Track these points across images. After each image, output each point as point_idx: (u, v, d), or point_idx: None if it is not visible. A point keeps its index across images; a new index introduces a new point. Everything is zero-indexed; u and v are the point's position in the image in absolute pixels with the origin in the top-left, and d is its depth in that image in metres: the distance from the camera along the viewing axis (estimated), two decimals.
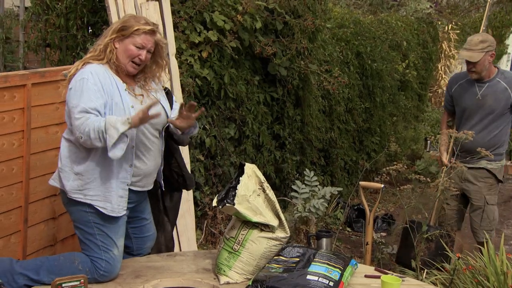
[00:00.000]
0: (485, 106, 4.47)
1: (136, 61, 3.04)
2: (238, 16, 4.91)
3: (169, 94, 3.34)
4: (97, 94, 2.89)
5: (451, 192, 4.61)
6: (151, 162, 3.15)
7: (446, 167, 4.36)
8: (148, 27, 3.02)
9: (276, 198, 5.61)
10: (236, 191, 3.09)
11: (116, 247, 3.08)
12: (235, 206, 3.05)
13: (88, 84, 2.88)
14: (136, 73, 3.12)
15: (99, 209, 3.00)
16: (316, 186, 4.97)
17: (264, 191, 3.18)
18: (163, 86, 3.32)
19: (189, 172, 3.41)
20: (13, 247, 3.42)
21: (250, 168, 3.19)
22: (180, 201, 3.62)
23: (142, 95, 3.11)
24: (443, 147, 4.68)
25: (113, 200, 3.02)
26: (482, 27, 5.01)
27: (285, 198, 5.50)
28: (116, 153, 2.85)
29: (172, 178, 3.42)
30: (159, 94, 3.22)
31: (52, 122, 3.59)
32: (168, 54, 4.30)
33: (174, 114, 3.28)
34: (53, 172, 3.13)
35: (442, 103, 4.93)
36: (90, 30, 5.09)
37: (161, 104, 3.19)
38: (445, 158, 4.63)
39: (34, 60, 5.92)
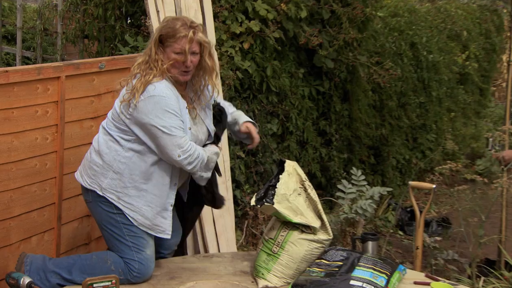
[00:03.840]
0: None
1: (183, 69, 3.00)
2: (282, 4, 4.90)
3: (223, 113, 3.33)
4: (178, 114, 2.95)
5: None
6: (184, 175, 3.20)
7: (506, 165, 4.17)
8: (182, 33, 2.93)
9: (322, 198, 5.67)
10: (276, 189, 3.09)
11: (148, 247, 3.11)
12: (274, 206, 3.05)
13: (171, 103, 2.93)
14: (187, 83, 3.12)
15: (128, 218, 3.04)
16: (364, 186, 4.92)
17: (305, 190, 3.17)
18: (215, 102, 3.28)
19: (219, 191, 3.40)
20: (47, 245, 3.49)
21: (290, 166, 3.18)
22: (199, 215, 3.67)
23: (195, 108, 3.12)
24: None
25: (150, 216, 3.06)
26: None
27: (331, 199, 5.47)
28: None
29: (199, 192, 3.40)
30: (207, 110, 3.21)
31: (86, 116, 3.63)
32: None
33: (230, 119, 3.36)
34: None
35: None
36: (128, 21, 5.17)
37: (205, 125, 3.20)
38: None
39: (74, 53, 6.03)
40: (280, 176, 3.13)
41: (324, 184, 5.87)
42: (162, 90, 2.93)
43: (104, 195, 3.04)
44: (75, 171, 3.29)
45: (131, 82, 2.98)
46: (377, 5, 6.66)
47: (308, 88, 5.47)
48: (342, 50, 5.63)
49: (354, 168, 5.09)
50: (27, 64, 6.37)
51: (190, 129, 3.04)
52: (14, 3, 7.73)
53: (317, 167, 5.62)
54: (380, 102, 6.84)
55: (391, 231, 6.10)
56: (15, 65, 6.49)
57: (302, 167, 5.45)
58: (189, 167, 3.00)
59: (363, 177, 4.99)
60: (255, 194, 3.18)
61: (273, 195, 3.08)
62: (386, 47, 6.86)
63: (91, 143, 3.21)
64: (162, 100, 2.91)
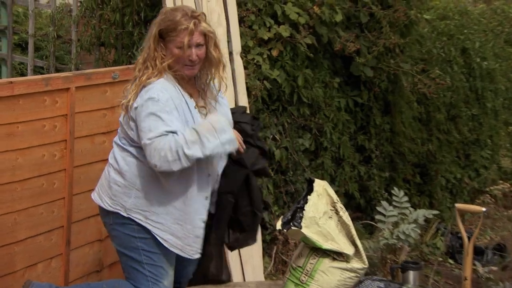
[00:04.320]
0: None
1: (188, 63, 2.98)
2: (314, 7, 4.92)
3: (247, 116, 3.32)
4: (171, 117, 2.89)
5: None
6: (214, 184, 3.15)
7: None
8: (183, 26, 2.91)
9: (361, 222, 5.60)
10: (304, 212, 3.09)
11: (167, 277, 3.09)
12: (302, 230, 3.04)
13: (159, 105, 2.87)
14: (195, 78, 3.11)
15: (158, 239, 3.01)
16: (407, 208, 4.85)
17: (337, 212, 3.16)
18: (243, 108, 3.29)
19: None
20: (54, 272, 3.52)
21: (320, 186, 3.17)
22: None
23: (205, 106, 3.10)
24: None
25: (181, 235, 3.01)
26: None
27: (371, 222, 5.41)
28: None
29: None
30: (222, 102, 3.19)
31: (98, 130, 3.67)
32: (232, 52, 4.34)
33: None
34: None
35: None
36: (147, 27, 5.22)
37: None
38: None
39: (91, 61, 6.10)
40: (309, 197, 3.13)
41: (363, 206, 5.82)
42: (155, 92, 2.89)
43: (129, 216, 3.01)
44: (86, 191, 3.31)
45: (130, 88, 2.98)
46: (423, 7, 6.63)
47: (344, 99, 5.47)
48: (383, 57, 5.61)
49: (395, 189, 5.03)
50: (41, 74, 6.47)
51: None
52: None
53: (355, 187, 5.59)
54: (427, 114, 6.79)
55: (440, 259, 6.00)
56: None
57: (338, 186, 5.44)
58: (176, 167, 2.85)
59: (405, 198, 4.91)
60: (282, 217, 3.17)
61: (301, 218, 3.08)
62: (433, 54, 6.82)
63: (103, 160, 3.22)
64: (150, 103, 2.86)
